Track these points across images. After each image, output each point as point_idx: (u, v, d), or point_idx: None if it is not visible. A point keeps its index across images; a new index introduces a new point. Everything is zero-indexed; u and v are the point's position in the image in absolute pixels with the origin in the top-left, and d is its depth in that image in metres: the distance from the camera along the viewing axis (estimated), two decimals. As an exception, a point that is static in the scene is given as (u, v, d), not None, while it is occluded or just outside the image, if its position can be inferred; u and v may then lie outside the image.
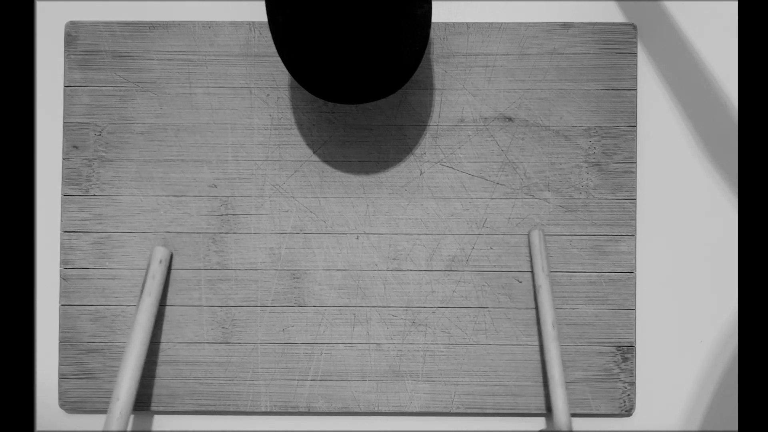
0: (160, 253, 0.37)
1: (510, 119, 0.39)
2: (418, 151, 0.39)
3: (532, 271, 0.38)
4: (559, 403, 0.35)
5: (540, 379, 0.38)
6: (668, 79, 0.40)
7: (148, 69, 0.39)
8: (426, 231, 0.39)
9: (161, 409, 0.38)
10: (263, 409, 0.38)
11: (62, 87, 0.40)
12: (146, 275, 0.37)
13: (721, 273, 0.40)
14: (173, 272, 0.39)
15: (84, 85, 0.39)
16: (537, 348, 0.39)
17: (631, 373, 0.39)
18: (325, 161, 0.39)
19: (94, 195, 0.39)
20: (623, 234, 0.39)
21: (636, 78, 0.39)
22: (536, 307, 0.38)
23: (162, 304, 0.38)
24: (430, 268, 0.39)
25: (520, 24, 0.39)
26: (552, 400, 0.36)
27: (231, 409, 0.38)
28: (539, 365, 0.39)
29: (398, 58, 0.33)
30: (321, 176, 0.39)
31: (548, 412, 0.38)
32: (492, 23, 0.39)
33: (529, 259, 0.38)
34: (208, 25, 0.39)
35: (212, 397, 0.38)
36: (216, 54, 0.39)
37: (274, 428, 0.39)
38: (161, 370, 0.38)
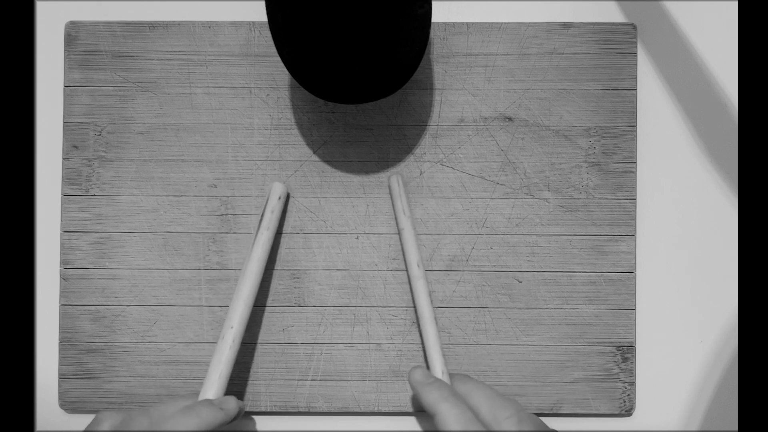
0: (279, 189, 0.37)
1: (510, 119, 0.39)
2: (418, 151, 0.39)
3: (395, 215, 0.38)
4: (430, 339, 0.35)
5: (540, 378, 0.38)
6: (668, 79, 0.40)
7: (148, 69, 0.39)
8: (426, 231, 0.39)
9: (161, 409, 0.38)
10: (263, 409, 0.38)
11: (62, 87, 0.40)
12: (265, 209, 0.37)
13: (721, 273, 0.40)
14: (173, 272, 0.39)
15: (84, 85, 0.39)
16: (537, 348, 0.39)
17: (631, 373, 0.39)
18: (325, 161, 0.39)
19: (94, 195, 0.39)
20: (623, 234, 0.39)
21: (636, 78, 0.39)
22: (402, 250, 0.38)
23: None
24: (430, 268, 0.39)
25: (520, 24, 0.39)
26: (423, 334, 0.35)
27: (231, 409, 0.38)
28: (539, 365, 0.39)
29: (398, 58, 0.33)
30: (321, 176, 0.39)
31: (549, 411, 0.38)
32: (492, 23, 0.39)
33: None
34: (208, 25, 0.39)
35: (212, 397, 0.38)
36: (216, 54, 0.39)
37: (274, 428, 0.39)
38: (161, 370, 0.38)
